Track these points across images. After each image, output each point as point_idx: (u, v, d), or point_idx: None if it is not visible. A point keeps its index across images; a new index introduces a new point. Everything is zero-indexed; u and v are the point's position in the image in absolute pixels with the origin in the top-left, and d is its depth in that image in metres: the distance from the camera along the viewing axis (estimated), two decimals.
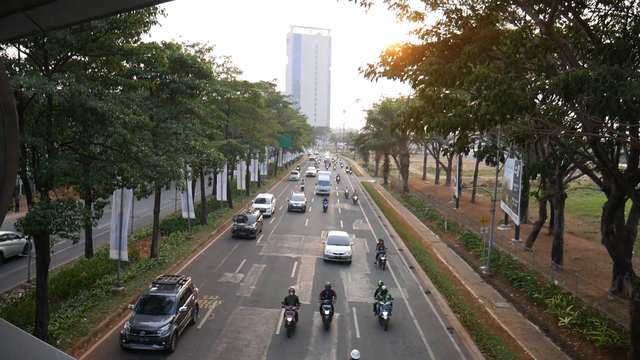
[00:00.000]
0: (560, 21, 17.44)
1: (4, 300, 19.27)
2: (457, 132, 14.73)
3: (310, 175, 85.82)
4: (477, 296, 22.48)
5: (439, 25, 17.46)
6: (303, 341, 17.27)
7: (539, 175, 17.21)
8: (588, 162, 20.31)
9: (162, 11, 16.88)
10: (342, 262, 27.54)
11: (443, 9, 17.11)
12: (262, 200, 44.47)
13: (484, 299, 22.10)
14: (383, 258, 27.36)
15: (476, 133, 31.44)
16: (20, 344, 1.14)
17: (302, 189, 61.67)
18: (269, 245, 31.96)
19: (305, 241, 33.60)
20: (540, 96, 13.44)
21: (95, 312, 18.48)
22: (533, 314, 19.98)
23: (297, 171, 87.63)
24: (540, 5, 15.08)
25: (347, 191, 60.51)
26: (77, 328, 16.95)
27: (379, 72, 17.07)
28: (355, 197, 54.50)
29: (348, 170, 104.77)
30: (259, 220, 35.22)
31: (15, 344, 1.13)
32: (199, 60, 30.07)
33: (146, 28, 16.44)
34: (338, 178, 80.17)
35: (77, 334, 16.58)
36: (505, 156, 27.27)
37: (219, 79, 44.80)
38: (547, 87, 11.92)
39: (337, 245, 28.18)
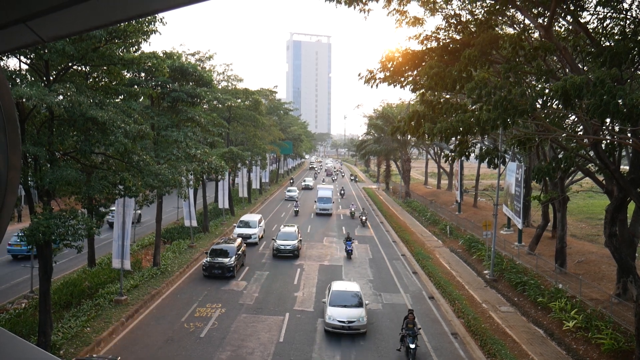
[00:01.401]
0: (559, 24, 17.50)
1: (7, 310, 19.25)
2: (458, 137, 14.74)
3: (307, 188, 72.62)
4: (481, 301, 22.39)
5: (438, 31, 17.55)
6: (307, 348, 17.20)
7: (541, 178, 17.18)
8: (590, 164, 20.31)
9: (161, 19, 16.96)
10: (351, 334, 18.23)
11: (442, 14, 17.20)
12: (246, 224, 34.55)
13: (487, 304, 22.01)
14: (413, 346, 16.18)
15: (477, 138, 31.43)
16: (24, 355, 1.14)
17: (297, 212, 48.71)
18: (271, 252, 31.89)
19: (308, 247, 33.55)
20: (540, 101, 13.47)
21: (98, 321, 18.46)
22: (537, 318, 19.88)
23: (294, 188, 64.31)
24: (539, 9, 15.14)
25: (352, 209, 49.06)
26: (80, 338, 16.92)
27: (379, 78, 17.12)
28: (364, 218, 43.97)
29: (352, 178, 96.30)
30: (240, 252, 26.91)
31: (19, 354, 1.12)
32: (199, 68, 30.16)
33: (146, 37, 16.53)
34: (342, 192, 66.78)
35: (80, 343, 16.56)
36: (506, 159, 27.16)
37: (220, 86, 44.95)
38: (546, 92, 11.96)
39: (345, 307, 18.51)
